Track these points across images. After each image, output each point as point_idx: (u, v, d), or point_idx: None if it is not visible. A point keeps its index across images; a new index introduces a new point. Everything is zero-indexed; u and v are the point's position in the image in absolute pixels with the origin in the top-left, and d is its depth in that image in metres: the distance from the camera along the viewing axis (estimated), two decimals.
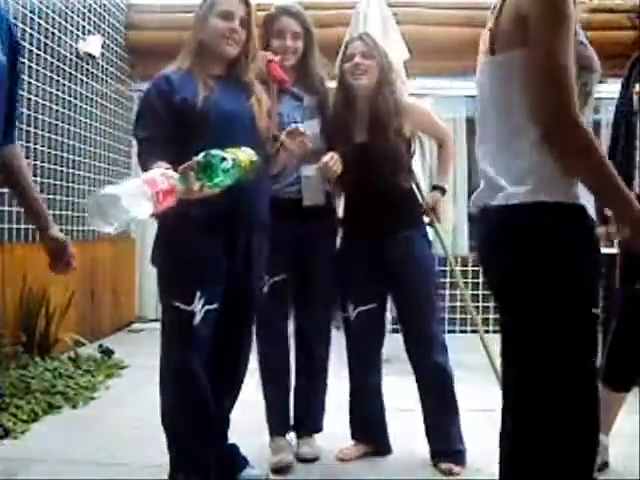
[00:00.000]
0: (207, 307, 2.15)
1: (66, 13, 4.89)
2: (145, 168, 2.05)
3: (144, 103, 2.22)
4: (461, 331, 5.96)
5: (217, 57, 2.22)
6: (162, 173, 1.71)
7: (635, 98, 2.52)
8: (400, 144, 2.62)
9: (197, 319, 2.13)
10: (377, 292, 2.69)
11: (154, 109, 2.15)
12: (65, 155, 4.88)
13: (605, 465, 2.58)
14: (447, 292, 5.98)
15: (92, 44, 5.19)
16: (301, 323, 2.74)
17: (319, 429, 2.78)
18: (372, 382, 2.74)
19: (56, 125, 4.73)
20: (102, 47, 5.40)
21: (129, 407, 3.42)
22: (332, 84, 2.75)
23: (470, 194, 1.53)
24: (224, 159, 1.80)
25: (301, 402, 2.76)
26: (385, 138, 2.56)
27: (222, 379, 2.28)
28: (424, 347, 2.62)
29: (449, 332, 5.97)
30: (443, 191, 2.76)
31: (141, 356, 4.34)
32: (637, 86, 2.52)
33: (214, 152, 1.80)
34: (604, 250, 2.08)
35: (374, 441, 2.77)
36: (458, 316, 6.02)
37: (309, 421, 2.77)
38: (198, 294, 2.13)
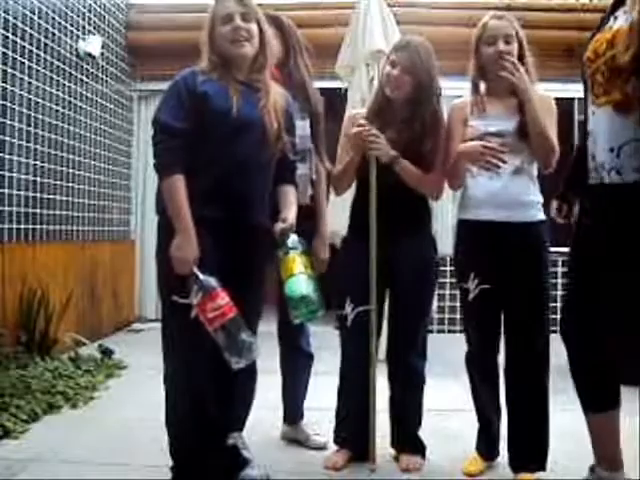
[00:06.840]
0: None
1: (66, 13, 4.89)
2: (164, 171, 2.08)
3: (172, 89, 2.18)
4: (461, 331, 5.93)
5: (234, 61, 2.21)
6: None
7: None
8: (427, 152, 2.55)
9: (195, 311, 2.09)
10: (378, 293, 2.65)
11: (181, 98, 2.14)
12: (65, 155, 4.89)
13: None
14: (447, 292, 5.99)
15: (92, 44, 5.19)
16: None
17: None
18: (364, 384, 2.67)
19: (56, 125, 4.73)
20: (102, 47, 5.40)
21: (129, 407, 3.42)
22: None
23: None
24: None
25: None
26: (413, 144, 2.53)
27: (226, 376, 2.24)
28: (407, 349, 2.65)
29: (449, 332, 5.98)
30: None
31: (141, 356, 4.34)
32: None
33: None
34: None
35: (359, 445, 2.68)
36: (458, 316, 6.01)
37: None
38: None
